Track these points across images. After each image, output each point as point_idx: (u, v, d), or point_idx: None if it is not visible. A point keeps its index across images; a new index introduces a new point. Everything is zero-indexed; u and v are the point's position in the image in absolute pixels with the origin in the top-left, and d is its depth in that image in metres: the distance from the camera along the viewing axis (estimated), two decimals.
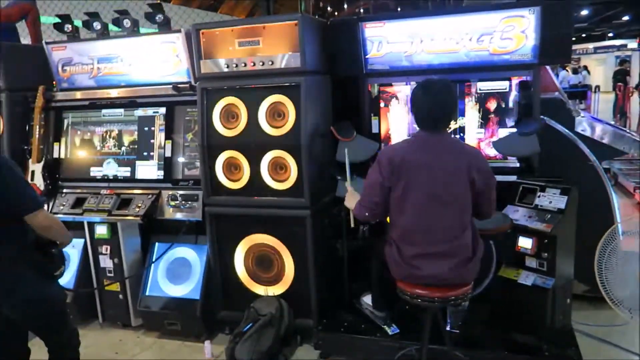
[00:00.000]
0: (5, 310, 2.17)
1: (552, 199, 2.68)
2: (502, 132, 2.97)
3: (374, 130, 3.24)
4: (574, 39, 3.47)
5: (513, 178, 2.90)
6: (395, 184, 2.25)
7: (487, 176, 2.26)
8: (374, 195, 2.30)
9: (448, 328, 2.78)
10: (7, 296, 2.12)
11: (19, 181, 2.13)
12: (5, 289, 2.10)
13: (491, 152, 2.97)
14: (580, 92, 13.41)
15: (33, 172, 3.48)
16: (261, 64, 2.91)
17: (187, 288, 3.27)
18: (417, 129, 2.33)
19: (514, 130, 2.85)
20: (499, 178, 2.79)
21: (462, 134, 3.07)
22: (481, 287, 2.99)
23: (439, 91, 2.23)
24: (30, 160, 3.50)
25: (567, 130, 3.15)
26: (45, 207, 3.19)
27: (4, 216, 2.07)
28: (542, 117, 2.95)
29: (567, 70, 15.74)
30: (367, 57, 3.11)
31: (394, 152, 2.29)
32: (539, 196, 2.73)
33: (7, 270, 2.10)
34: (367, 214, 2.35)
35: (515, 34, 2.81)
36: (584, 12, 17.35)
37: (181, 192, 3.25)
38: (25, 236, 2.16)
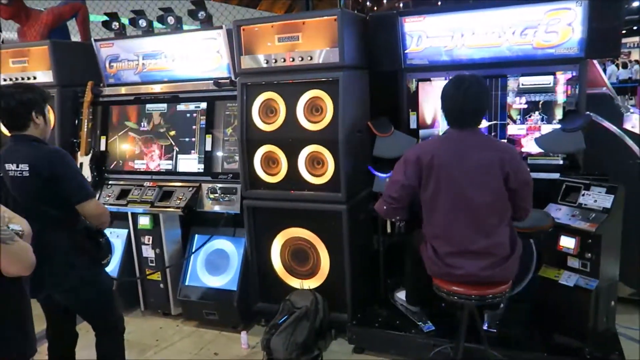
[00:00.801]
0: (57, 295, 2.28)
1: (598, 198, 2.59)
2: (546, 128, 2.88)
3: (412, 125, 3.21)
4: (624, 31, 3.33)
5: (556, 176, 2.82)
6: (425, 184, 2.23)
7: (521, 173, 2.19)
8: (394, 192, 2.30)
9: (485, 327, 2.73)
10: (59, 281, 2.21)
11: (73, 171, 2.22)
12: (58, 275, 2.19)
13: (533, 148, 2.90)
14: (630, 88, 12.79)
15: (81, 164, 3.62)
16: (300, 59, 2.94)
17: (225, 279, 3.35)
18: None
19: (558, 126, 2.77)
20: (541, 175, 2.75)
21: (502, 131, 3.01)
22: (520, 287, 2.93)
23: (469, 87, 2.18)
24: (78, 153, 3.66)
25: (614, 127, 3.03)
26: None
27: (57, 204, 2.17)
28: (588, 113, 2.86)
29: (616, 65, 15.03)
30: (406, 51, 3.09)
31: (423, 151, 2.25)
32: (583, 194, 2.65)
33: (59, 257, 2.19)
34: (384, 207, 2.36)
35: (560, 27, 2.73)
36: (636, 4, 16.53)
37: (220, 185, 3.32)
38: (76, 224, 2.26)
